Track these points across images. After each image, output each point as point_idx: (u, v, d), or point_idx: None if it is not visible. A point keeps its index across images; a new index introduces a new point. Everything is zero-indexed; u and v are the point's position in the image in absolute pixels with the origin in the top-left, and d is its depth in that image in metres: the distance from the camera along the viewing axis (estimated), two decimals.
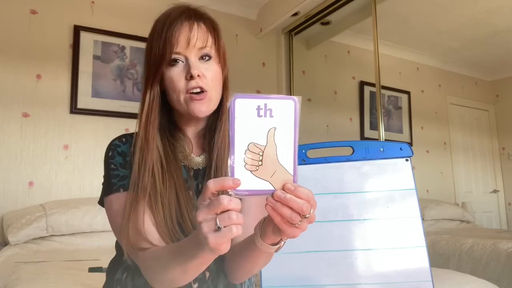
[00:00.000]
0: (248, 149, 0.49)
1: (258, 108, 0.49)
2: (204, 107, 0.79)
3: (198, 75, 0.77)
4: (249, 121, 0.49)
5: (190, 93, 0.78)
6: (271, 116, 0.49)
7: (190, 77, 0.77)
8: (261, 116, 0.49)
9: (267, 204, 0.50)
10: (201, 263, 0.60)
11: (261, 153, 0.49)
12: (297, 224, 0.51)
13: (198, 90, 0.78)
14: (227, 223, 0.48)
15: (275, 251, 0.63)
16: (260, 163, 0.49)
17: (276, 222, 0.53)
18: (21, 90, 2.42)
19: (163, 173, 0.77)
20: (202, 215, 0.50)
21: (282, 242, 0.62)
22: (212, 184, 0.50)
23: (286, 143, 0.50)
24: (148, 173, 0.75)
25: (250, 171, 0.49)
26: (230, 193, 0.49)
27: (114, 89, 2.70)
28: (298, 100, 0.50)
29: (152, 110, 0.79)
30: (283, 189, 0.49)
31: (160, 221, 0.74)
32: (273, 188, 0.49)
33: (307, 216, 0.51)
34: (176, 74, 0.78)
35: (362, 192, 1.01)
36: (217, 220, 0.49)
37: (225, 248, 0.51)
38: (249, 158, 0.49)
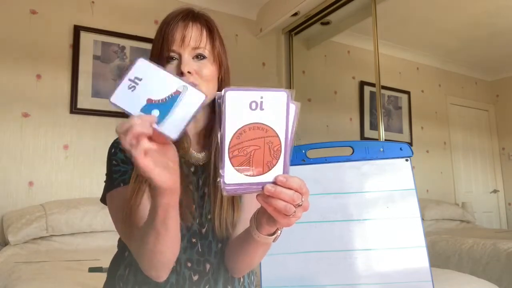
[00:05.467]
0: None
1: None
2: None
3: (189, 72, 0.78)
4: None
5: None
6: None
7: (181, 73, 0.78)
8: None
9: (258, 195, 0.51)
10: (162, 214, 0.58)
11: None
12: (291, 215, 0.52)
13: None
14: (129, 142, 0.49)
15: (273, 241, 0.64)
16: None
17: (270, 212, 0.53)
18: (21, 90, 2.42)
19: None
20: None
21: (279, 232, 0.62)
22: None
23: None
24: None
25: None
26: (223, 193, 0.49)
27: (114, 89, 2.69)
28: (290, 93, 0.50)
29: None
30: (276, 181, 0.49)
31: None
32: (264, 181, 0.49)
33: (300, 204, 0.51)
34: (169, 70, 0.79)
35: (362, 192, 1.01)
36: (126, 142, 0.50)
37: (160, 179, 0.51)
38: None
